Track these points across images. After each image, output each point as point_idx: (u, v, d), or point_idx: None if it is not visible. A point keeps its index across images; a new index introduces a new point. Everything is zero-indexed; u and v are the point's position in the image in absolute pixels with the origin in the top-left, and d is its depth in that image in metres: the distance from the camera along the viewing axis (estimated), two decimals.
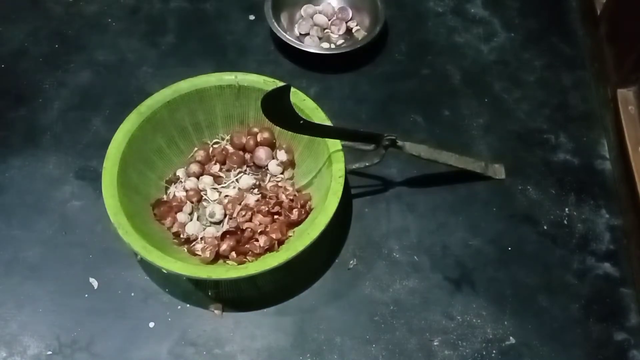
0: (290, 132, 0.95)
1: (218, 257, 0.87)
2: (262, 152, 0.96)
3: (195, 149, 0.97)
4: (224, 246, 0.86)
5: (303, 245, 0.79)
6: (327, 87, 1.06)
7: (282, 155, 0.96)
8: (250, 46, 1.16)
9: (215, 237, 0.88)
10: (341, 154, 0.87)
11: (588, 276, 0.90)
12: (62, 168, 1.00)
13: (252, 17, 1.21)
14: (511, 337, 0.85)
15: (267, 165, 0.96)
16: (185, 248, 0.88)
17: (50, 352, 0.83)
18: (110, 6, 1.22)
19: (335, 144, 0.88)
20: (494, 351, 0.83)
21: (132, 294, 0.87)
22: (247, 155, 0.98)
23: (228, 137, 0.99)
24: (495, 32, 1.19)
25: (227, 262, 0.87)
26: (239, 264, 0.84)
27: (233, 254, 0.87)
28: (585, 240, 0.94)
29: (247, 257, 0.86)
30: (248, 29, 1.20)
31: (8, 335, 0.84)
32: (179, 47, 1.16)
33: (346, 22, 1.19)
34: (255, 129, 0.98)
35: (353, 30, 1.19)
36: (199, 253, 0.86)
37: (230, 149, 0.98)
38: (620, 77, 1.01)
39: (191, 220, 0.91)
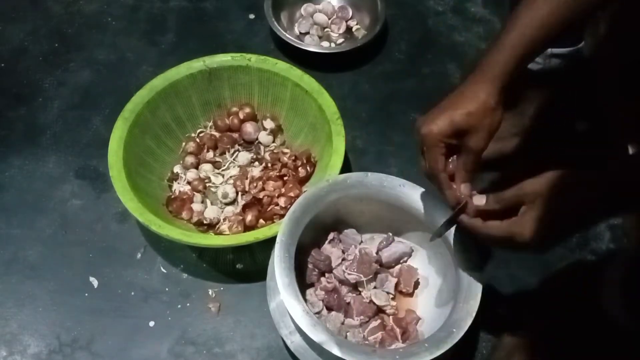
0: (270, 100, 0.99)
1: (246, 229, 0.88)
2: (249, 127, 0.98)
3: (183, 144, 0.98)
4: (249, 217, 0.89)
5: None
6: (327, 86, 1.05)
7: (269, 124, 0.98)
8: (250, 45, 1.16)
9: (237, 214, 0.90)
10: (330, 99, 0.90)
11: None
12: (62, 167, 1.00)
13: (252, 16, 1.21)
14: None
15: (257, 138, 0.98)
16: (211, 233, 0.89)
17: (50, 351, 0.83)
18: (110, 5, 1.22)
19: (321, 94, 0.91)
20: None
21: (132, 293, 0.87)
22: (236, 135, 0.99)
23: (211, 124, 1.00)
24: (495, 30, 1.19)
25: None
26: None
27: (261, 221, 0.89)
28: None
29: (275, 220, 0.88)
30: (248, 27, 1.19)
31: (8, 334, 0.84)
32: (179, 46, 1.16)
33: (346, 21, 1.19)
34: (235, 108, 0.99)
35: (353, 29, 1.19)
36: (228, 233, 0.87)
37: (217, 134, 0.99)
38: None
39: (206, 207, 0.92)
